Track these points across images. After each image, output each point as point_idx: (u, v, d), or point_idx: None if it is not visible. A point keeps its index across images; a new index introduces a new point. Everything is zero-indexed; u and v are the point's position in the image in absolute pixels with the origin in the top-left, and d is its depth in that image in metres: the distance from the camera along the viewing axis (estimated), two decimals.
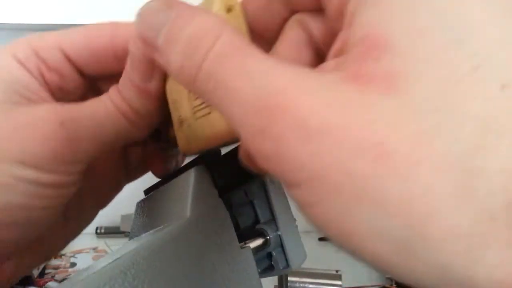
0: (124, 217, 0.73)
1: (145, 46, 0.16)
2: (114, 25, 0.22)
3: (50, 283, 0.59)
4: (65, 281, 0.16)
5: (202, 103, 0.18)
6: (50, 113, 0.19)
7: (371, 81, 0.11)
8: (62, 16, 0.43)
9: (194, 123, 0.19)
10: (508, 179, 0.09)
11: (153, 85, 0.20)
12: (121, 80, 0.21)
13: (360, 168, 0.10)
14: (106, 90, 0.21)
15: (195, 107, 0.19)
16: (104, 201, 0.26)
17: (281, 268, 0.23)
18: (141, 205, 0.24)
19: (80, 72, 0.22)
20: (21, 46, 0.21)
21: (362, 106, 0.11)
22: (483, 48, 0.10)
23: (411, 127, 0.10)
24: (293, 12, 0.17)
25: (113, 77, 0.22)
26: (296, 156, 0.11)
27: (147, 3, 0.16)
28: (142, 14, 0.16)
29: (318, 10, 0.16)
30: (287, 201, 0.25)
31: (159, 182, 0.23)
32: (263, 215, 0.24)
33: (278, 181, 0.24)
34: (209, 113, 0.18)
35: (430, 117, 0.10)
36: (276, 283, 0.57)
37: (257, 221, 0.24)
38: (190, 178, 0.20)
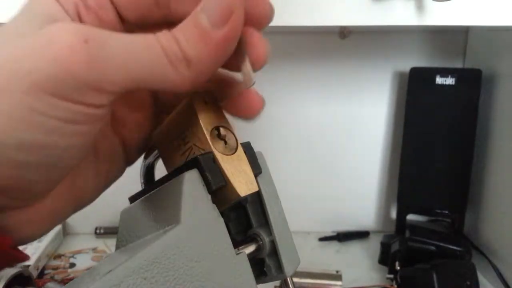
0: None
1: None
2: None
3: (49, 284, 0.59)
4: None
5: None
6: (73, 28, 0.16)
7: None
8: None
9: None
10: None
11: (221, 33, 0.17)
12: (184, 22, 0.18)
13: None
14: None
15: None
16: (136, 142, 0.24)
17: (275, 275, 0.23)
18: (127, 213, 0.23)
19: (120, 16, 0.20)
20: None
21: None
22: None
23: None
24: None
25: (154, 27, 0.19)
26: None
27: None
28: None
29: None
30: (280, 205, 0.24)
31: (144, 189, 0.22)
32: (255, 220, 0.24)
33: (272, 185, 0.24)
34: None
35: None
36: (277, 283, 0.56)
37: (249, 226, 0.24)
38: (182, 183, 0.20)
